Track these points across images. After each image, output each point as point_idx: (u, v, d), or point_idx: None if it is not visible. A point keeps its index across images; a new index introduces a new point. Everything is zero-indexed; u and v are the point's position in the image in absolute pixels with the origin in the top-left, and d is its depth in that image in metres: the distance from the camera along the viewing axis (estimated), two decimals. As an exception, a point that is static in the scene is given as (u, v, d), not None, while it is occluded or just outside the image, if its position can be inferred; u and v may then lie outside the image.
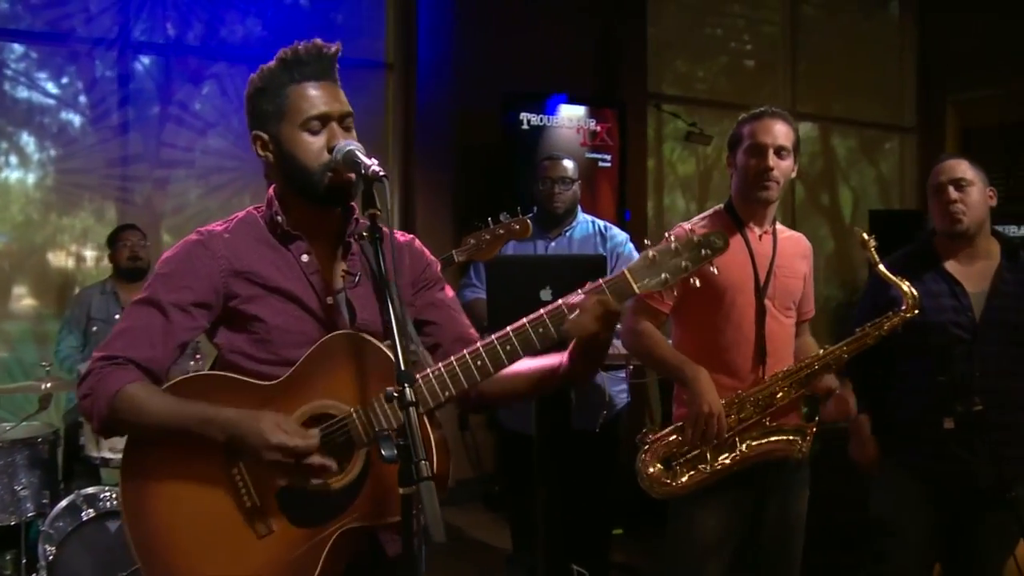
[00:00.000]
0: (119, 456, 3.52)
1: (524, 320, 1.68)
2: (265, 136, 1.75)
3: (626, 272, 1.68)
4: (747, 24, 6.97)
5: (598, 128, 5.78)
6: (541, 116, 5.56)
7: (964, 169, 2.80)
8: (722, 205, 2.74)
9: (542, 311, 1.67)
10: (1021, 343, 2.73)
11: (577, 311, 1.65)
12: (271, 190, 1.83)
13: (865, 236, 2.70)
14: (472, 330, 1.92)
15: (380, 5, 5.30)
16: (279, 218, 1.78)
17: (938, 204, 2.80)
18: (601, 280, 1.68)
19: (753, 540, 2.64)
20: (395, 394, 1.44)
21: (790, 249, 2.71)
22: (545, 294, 3.44)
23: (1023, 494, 2.66)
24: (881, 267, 2.69)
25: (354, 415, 1.66)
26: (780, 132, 2.59)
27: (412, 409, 1.43)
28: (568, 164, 4.05)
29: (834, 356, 2.59)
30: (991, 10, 6.99)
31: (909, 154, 7.71)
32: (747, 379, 2.57)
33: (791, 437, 2.59)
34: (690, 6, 6.67)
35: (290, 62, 1.73)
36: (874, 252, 2.68)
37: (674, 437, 2.53)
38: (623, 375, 3.85)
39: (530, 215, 4.11)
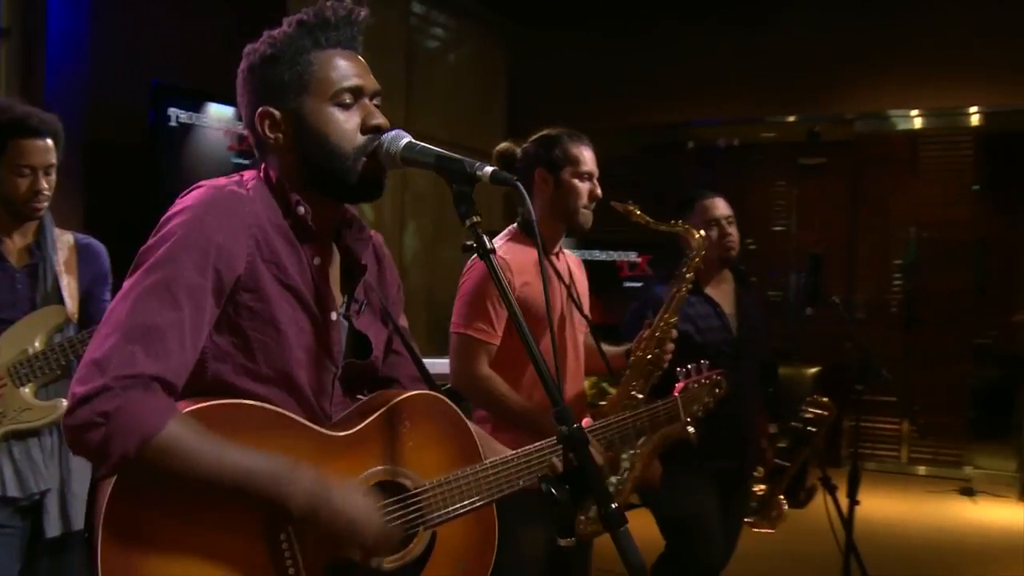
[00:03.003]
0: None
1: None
2: (277, 113, 1.49)
3: (679, 401, 2.07)
4: (374, 50, 7.08)
5: (246, 132, 5.46)
6: (191, 113, 5.11)
7: (725, 206, 3.30)
8: (516, 225, 2.72)
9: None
10: (759, 358, 3.33)
11: None
12: (270, 172, 1.54)
13: (628, 207, 2.85)
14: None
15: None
16: (301, 208, 1.49)
17: (719, 235, 3.23)
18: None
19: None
20: (566, 431, 1.32)
21: (574, 265, 2.84)
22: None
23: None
24: (655, 224, 2.92)
25: (431, 491, 1.50)
26: (594, 159, 2.71)
27: (587, 449, 1.33)
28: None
29: (665, 323, 2.72)
30: (571, 53, 7.96)
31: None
32: (568, 401, 2.64)
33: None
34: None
35: (314, 25, 1.50)
36: (643, 215, 2.86)
37: None
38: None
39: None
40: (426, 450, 1.53)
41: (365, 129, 1.49)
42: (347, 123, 1.49)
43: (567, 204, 2.66)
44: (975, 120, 7.47)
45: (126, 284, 1.35)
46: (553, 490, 1.33)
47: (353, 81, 1.50)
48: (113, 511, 1.28)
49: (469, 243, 1.42)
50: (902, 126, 7.71)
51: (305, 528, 1.37)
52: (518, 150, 2.72)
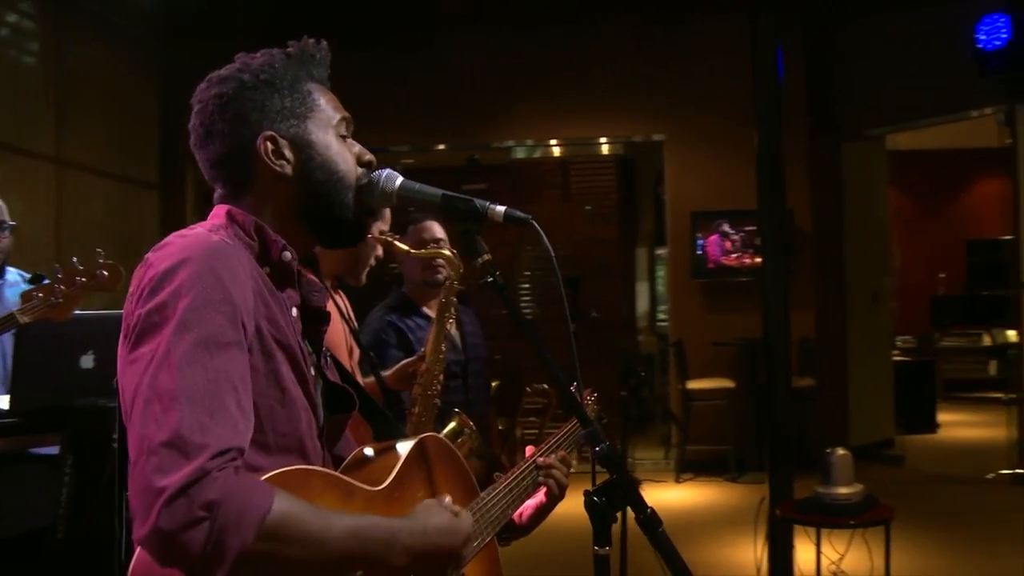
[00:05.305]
0: None
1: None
2: (282, 139, 1.43)
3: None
4: (19, 69, 6.43)
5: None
6: None
7: (440, 229, 3.40)
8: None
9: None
10: (485, 373, 3.53)
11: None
12: (239, 214, 1.42)
13: (391, 239, 2.84)
14: None
15: None
16: (287, 253, 1.41)
17: (424, 258, 3.25)
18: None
19: None
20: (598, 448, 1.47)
21: (346, 303, 2.84)
22: (87, 360, 3.01)
23: None
24: (416, 252, 2.99)
25: None
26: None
27: (622, 463, 1.50)
28: (2, 205, 3.50)
29: (436, 356, 2.79)
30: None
31: (153, 211, 8.00)
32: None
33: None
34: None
35: (302, 58, 1.49)
36: (401, 244, 2.89)
37: None
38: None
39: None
40: (443, 491, 1.54)
41: (360, 163, 1.50)
42: (347, 153, 1.49)
43: (362, 252, 2.65)
44: (614, 149, 8.48)
45: (149, 349, 1.19)
46: (595, 499, 1.47)
47: (345, 112, 1.50)
48: None
49: (488, 280, 1.50)
50: (553, 154, 8.52)
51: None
52: None
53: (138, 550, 1.20)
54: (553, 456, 1.89)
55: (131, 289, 1.29)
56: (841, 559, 4.14)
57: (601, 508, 1.47)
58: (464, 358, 3.37)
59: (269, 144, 1.42)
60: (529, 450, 1.91)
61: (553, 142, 8.36)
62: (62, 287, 2.62)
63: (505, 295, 1.52)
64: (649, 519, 1.46)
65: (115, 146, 7.48)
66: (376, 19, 7.76)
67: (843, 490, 3.67)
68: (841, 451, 3.73)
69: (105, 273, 2.67)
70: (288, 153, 1.43)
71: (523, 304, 8.61)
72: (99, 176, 7.33)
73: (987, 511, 6.14)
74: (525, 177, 8.47)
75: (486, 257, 1.52)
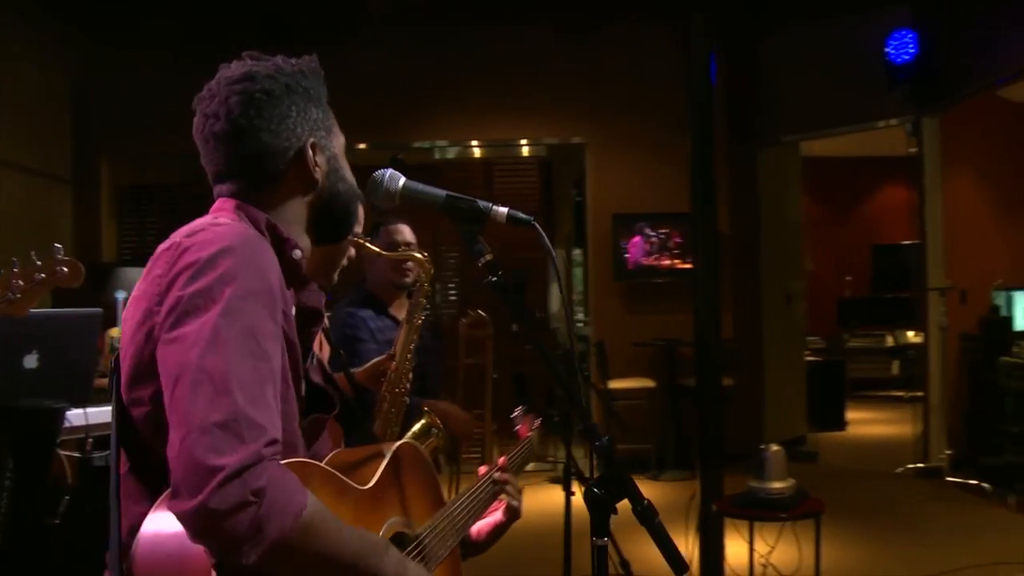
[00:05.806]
0: None
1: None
2: (318, 148, 1.52)
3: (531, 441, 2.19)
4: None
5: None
6: None
7: (410, 232, 3.48)
8: None
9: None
10: (443, 373, 3.64)
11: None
12: (253, 212, 1.45)
13: (360, 240, 2.86)
14: None
15: None
16: (297, 251, 1.47)
17: (394, 260, 3.33)
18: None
19: None
20: (597, 443, 1.51)
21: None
22: (30, 360, 2.94)
23: None
24: (388, 254, 3.08)
25: (430, 535, 1.61)
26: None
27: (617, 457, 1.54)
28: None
29: (405, 356, 2.81)
30: (146, 72, 7.59)
31: (66, 207, 7.75)
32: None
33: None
34: None
35: (317, 74, 1.56)
36: (372, 246, 2.96)
37: None
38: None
39: None
40: (415, 497, 1.63)
41: None
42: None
43: (335, 255, 2.68)
44: (536, 151, 8.57)
45: (193, 329, 1.21)
46: (595, 491, 1.51)
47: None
48: None
49: (493, 279, 1.54)
50: (475, 155, 8.55)
51: None
52: None
53: (143, 530, 1.23)
54: (508, 475, 1.97)
55: (158, 271, 1.30)
56: (770, 553, 4.28)
57: (601, 500, 1.52)
58: (423, 359, 3.40)
59: (311, 151, 1.49)
60: (482, 470, 1.97)
61: (475, 143, 8.39)
62: (20, 282, 2.54)
63: (508, 295, 1.56)
64: (646, 510, 1.52)
65: (25, 138, 7.22)
66: (296, 15, 7.66)
67: (776, 485, 3.81)
68: (775, 447, 3.87)
69: (65, 270, 2.60)
70: (321, 161, 1.51)
71: (450, 304, 8.63)
72: (7, 168, 7.07)
73: (899, 503, 6.42)
74: (449, 178, 8.45)
75: (488, 257, 1.56)
